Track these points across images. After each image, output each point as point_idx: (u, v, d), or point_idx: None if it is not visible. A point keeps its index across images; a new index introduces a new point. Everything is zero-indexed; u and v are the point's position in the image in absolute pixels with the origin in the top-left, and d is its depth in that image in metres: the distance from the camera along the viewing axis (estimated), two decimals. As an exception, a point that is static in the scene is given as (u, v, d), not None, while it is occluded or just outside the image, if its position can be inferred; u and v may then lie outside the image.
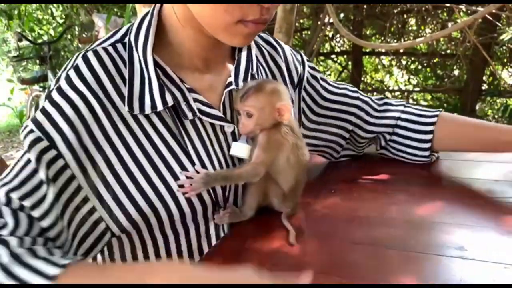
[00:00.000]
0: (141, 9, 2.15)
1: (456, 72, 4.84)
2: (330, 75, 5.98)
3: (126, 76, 0.70)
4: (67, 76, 0.68)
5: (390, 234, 0.71)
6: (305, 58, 0.97)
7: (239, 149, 0.77)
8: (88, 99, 0.67)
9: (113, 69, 0.70)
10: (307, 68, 0.96)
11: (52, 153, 0.64)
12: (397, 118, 0.98)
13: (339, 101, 0.98)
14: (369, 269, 0.62)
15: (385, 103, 1.01)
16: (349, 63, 5.49)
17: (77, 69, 0.69)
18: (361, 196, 0.87)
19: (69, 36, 5.15)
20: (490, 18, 2.64)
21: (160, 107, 0.70)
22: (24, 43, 4.16)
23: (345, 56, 5.66)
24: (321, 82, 0.97)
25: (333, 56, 5.70)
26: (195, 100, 0.74)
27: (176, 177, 0.71)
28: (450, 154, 1.03)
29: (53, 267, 0.54)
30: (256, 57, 0.86)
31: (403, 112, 0.99)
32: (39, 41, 4.44)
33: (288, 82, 0.92)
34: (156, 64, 0.71)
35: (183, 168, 0.72)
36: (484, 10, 1.94)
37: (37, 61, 3.98)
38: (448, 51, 4.65)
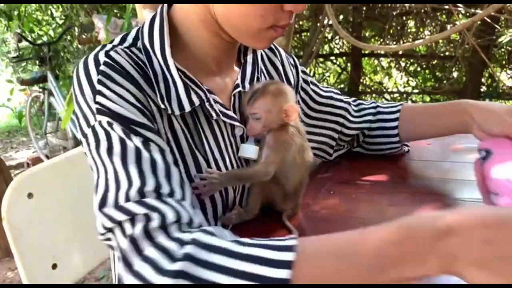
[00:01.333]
0: (141, 10, 2.15)
1: (455, 74, 4.85)
2: (329, 76, 5.99)
3: (152, 76, 0.69)
4: (101, 71, 0.64)
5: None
6: (297, 62, 0.98)
7: (248, 150, 0.77)
8: (129, 90, 0.64)
9: (138, 68, 0.68)
10: (300, 73, 0.98)
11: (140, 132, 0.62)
12: (374, 114, 1.04)
13: (328, 103, 1.02)
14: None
15: (360, 103, 1.08)
16: (348, 64, 5.50)
17: (107, 64, 0.65)
18: (359, 197, 0.88)
19: (68, 37, 5.15)
20: (489, 20, 2.65)
21: (187, 107, 0.70)
22: (24, 43, 4.16)
23: (344, 58, 5.67)
24: (312, 86, 1.00)
25: (332, 57, 5.71)
26: (215, 101, 0.75)
27: (192, 179, 0.71)
28: (450, 156, 1.04)
29: (283, 252, 0.47)
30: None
31: (375, 109, 1.05)
32: (39, 42, 4.44)
33: (294, 83, 0.94)
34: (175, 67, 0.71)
35: (200, 170, 0.72)
36: (482, 13, 1.94)
37: (37, 62, 3.98)
38: (447, 53, 4.66)
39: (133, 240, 0.52)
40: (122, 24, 2.88)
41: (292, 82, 0.94)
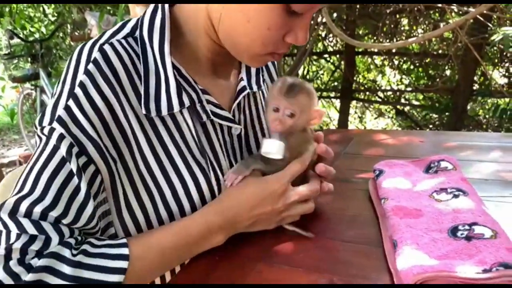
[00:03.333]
0: (134, 8, 2.14)
1: (447, 72, 4.87)
2: (323, 74, 5.99)
3: (142, 72, 0.68)
4: (87, 71, 0.64)
5: (381, 232, 0.71)
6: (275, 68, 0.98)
7: (273, 147, 0.70)
8: (109, 99, 0.64)
9: (129, 64, 0.67)
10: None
11: (83, 158, 0.63)
12: None
13: None
14: (361, 267, 0.62)
15: None
16: (342, 62, 5.50)
17: (96, 63, 0.65)
18: (353, 195, 0.88)
19: (61, 34, 5.11)
20: (481, 18, 2.66)
21: (176, 108, 0.69)
22: (16, 41, 4.12)
23: (337, 56, 5.67)
24: None
25: (326, 55, 5.71)
26: (208, 101, 0.74)
27: (184, 182, 0.70)
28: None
29: (118, 249, 0.61)
30: None
31: None
32: (31, 39, 4.41)
33: None
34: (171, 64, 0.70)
35: (192, 173, 0.71)
36: (475, 11, 1.95)
37: (29, 59, 3.94)
38: (440, 51, 4.68)
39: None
40: (115, 21, 2.87)
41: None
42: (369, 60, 5.71)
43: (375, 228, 0.73)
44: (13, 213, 0.57)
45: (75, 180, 0.61)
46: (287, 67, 4.77)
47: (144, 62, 0.68)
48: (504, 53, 4.39)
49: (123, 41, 0.69)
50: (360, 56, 5.52)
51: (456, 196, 0.73)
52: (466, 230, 0.62)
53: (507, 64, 4.66)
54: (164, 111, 0.68)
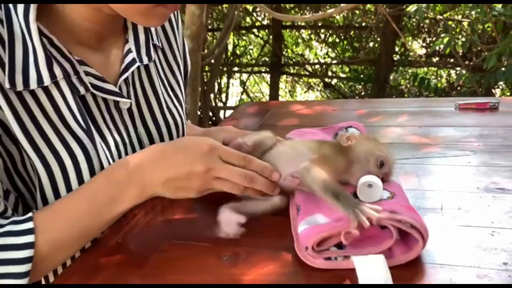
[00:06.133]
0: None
1: (370, 44, 5.05)
2: (252, 49, 5.98)
3: (6, 40, 0.60)
4: None
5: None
6: (187, 52, 0.94)
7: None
8: None
9: None
10: (188, 66, 0.95)
11: None
12: None
13: None
14: (266, 237, 0.61)
15: None
16: (271, 37, 5.52)
17: None
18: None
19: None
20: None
21: (47, 81, 0.62)
22: None
23: (266, 31, 5.68)
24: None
25: (254, 30, 5.70)
26: (87, 73, 0.68)
27: (61, 161, 0.64)
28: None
29: (23, 224, 0.57)
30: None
31: None
32: None
33: (181, 63, 0.88)
34: (41, 33, 0.63)
35: (70, 150, 0.64)
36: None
37: None
38: (363, 24, 4.83)
39: None
40: None
41: (182, 68, 0.89)
42: (297, 34, 5.77)
43: (286, 198, 0.73)
44: None
45: None
46: (214, 41, 4.69)
47: (9, 29, 0.61)
48: (421, 25, 4.62)
49: None
50: (288, 30, 5.56)
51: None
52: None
53: (424, 35, 4.92)
54: (34, 84, 0.62)
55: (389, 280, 0.48)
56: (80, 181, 0.65)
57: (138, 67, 0.76)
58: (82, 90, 0.66)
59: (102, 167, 0.67)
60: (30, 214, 0.59)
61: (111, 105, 0.71)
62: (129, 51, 0.75)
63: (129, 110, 0.74)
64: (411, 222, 0.52)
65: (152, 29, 0.79)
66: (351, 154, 0.65)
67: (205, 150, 0.63)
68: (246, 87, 6.29)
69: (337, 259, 0.53)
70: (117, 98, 0.71)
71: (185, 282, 0.53)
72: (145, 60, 0.76)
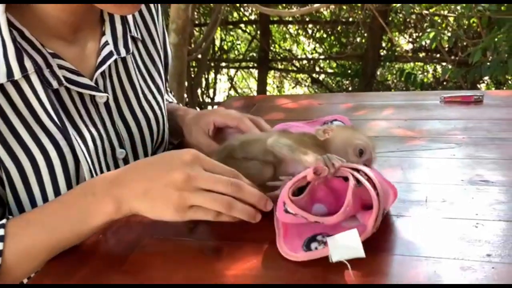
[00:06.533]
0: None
1: (358, 40, 5.06)
2: (239, 44, 5.96)
3: None
4: None
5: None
6: (167, 41, 0.92)
7: None
8: None
9: None
10: (168, 57, 0.93)
11: None
12: None
13: None
14: (251, 230, 0.61)
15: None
16: (258, 32, 5.50)
17: None
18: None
19: None
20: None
21: (17, 74, 0.60)
22: None
23: (254, 26, 5.66)
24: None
25: (242, 25, 5.67)
26: (61, 67, 0.66)
27: (32, 157, 0.62)
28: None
29: None
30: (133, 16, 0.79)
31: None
32: None
33: (162, 53, 0.86)
34: (11, 25, 0.61)
35: (41, 146, 0.63)
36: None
37: None
38: (351, 19, 4.83)
39: None
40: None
41: (162, 57, 0.88)
42: (284, 29, 5.76)
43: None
44: None
45: None
46: (201, 36, 4.66)
47: None
48: (408, 20, 4.64)
49: None
50: (275, 25, 5.55)
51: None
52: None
53: (411, 30, 4.95)
54: (3, 78, 0.60)
55: (360, 252, 0.47)
56: (53, 177, 0.63)
57: (116, 60, 0.74)
58: (55, 84, 0.64)
59: (77, 163, 0.65)
60: (4, 221, 0.57)
61: (86, 99, 0.70)
62: (106, 43, 0.73)
63: (106, 104, 0.72)
64: (370, 175, 0.53)
65: (130, 21, 0.77)
66: (330, 147, 0.63)
67: (187, 159, 0.56)
68: (234, 83, 6.27)
69: (317, 248, 0.52)
70: (92, 92, 0.69)
71: (167, 278, 0.52)
72: (123, 52, 0.74)
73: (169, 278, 0.51)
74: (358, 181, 0.53)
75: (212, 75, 5.68)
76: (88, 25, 0.72)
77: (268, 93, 5.74)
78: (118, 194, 0.56)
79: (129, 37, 0.76)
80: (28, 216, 0.59)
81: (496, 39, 2.35)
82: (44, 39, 0.65)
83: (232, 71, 6.26)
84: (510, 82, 4.28)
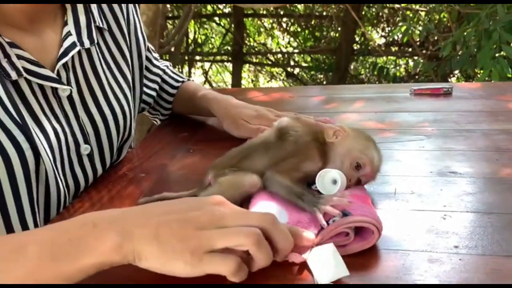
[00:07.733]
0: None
1: (332, 34, 5.08)
2: (214, 37, 5.90)
3: None
4: None
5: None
6: (143, 30, 0.90)
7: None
8: None
9: None
10: (147, 48, 0.92)
11: None
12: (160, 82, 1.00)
13: (155, 72, 0.97)
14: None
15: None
16: (232, 25, 5.46)
17: None
18: (220, 155, 0.84)
19: None
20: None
21: None
22: None
23: (228, 19, 5.61)
24: (148, 53, 0.94)
25: (216, 18, 5.61)
26: (19, 57, 0.63)
27: None
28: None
29: None
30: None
31: (163, 75, 1.00)
32: None
33: (133, 42, 0.84)
34: None
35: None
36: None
37: None
38: (324, 13, 4.85)
39: None
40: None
41: (134, 47, 0.85)
42: (259, 23, 5.74)
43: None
44: None
45: None
46: (173, 29, 4.59)
47: None
48: (381, 14, 4.69)
49: None
50: (250, 19, 5.51)
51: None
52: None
53: (383, 25, 5.00)
54: None
55: (341, 267, 0.46)
56: (11, 175, 0.60)
57: (79, 51, 0.71)
58: (13, 75, 0.61)
59: (38, 159, 0.62)
60: None
61: (48, 92, 0.66)
62: (69, 33, 0.70)
63: (70, 97, 0.69)
64: (363, 220, 0.50)
65: (95, 10, 0.74)
66: (331, 152, 0.60)
67: (213, 201, 0.48)
68: (208, 77, 6.21)
69: None
70: (54, 85, 0.66)
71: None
72: (87, 43, 0.71)
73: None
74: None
75: (186, 68, 5.61)
76: (45, 14, 0.69)
77: (243, 87, 5.71)
78: (121, 234, 0.44)
79: (93, 28, 0.73)
80: (21, 237, 0.48)
81: (465, 33, 2.38)
82: (0, 28, 0.62)
83: (206, 65, 6.20)
84: (479, 75, 4.38)
